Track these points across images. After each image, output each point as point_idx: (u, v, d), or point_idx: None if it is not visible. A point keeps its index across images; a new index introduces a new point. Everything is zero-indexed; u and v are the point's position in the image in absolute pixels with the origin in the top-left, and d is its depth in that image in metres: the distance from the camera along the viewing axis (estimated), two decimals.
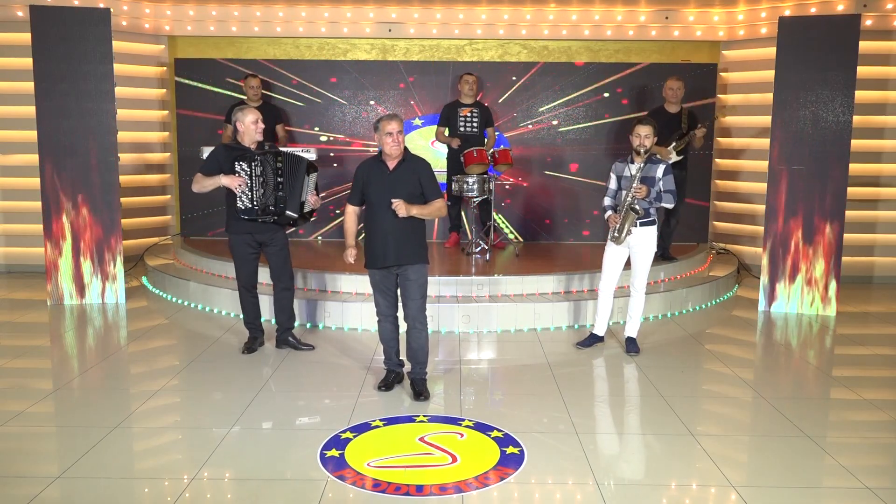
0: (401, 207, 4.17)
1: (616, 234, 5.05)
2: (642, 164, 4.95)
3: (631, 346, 5.23)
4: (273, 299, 5.23)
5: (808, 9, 7.46)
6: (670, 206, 5.04)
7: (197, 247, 7.45)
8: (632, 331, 5.28)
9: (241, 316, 5.31)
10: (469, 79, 7.30)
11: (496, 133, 7.76)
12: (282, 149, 5.08)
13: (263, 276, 5.58)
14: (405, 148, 4.36)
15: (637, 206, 4.92)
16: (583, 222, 8.22)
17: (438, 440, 3.73)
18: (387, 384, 4.49)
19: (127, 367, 4.97)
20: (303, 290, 6.09)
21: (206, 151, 7.09)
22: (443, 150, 7.78)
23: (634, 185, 4.91)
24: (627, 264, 5.22)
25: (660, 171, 4.98)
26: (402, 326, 4.57)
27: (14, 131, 7.55)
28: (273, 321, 5.54)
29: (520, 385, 4.66)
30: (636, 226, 5.00)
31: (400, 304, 4.48)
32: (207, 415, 4.09)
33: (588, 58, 8.22)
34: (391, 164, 4.33)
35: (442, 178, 7.50)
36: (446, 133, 7.39)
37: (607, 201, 5.17)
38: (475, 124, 7.28)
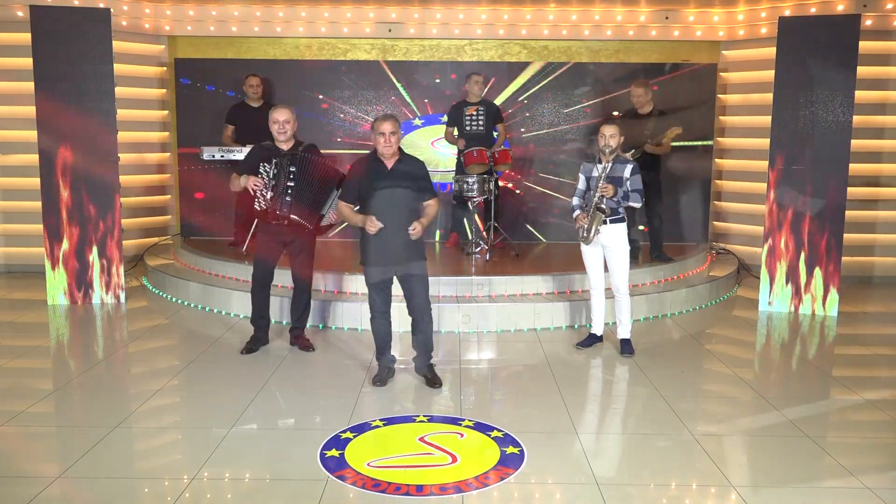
0: (417, 229, 4.33)
1: (585, 235, 5.10)
2: (609, 164, 4.99)
3: (626, 347, 5.21)
4: (291, 298, 5.30)
5: (808, 9, 7.45)
6: (637, 205, 5.10)
7: (197, 247, 7.44)
8: (624, 333, 5.26)
9: (247, 315, 5.32)
10: (476, 78, 7.32)
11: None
12: (312, 156, 4.99)
13: (279, 279, 5.60)
14: (399, 147, 4.48)
15: (604, 206, 4.97)
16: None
17: (438, 440, 3.74)
18: (381, 379, 4.56)
19: (127, 367, 4.97)
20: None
21: (207, 151, 7.15)
22: (444, 150, 7.79)
23: (601, 184, 4.96)
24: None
25: (627, 170, 5.02)
26: (394, 325, 4.71)
27: (14, 131, 7.54)
28: (286, 322, 5.59)
29: (520, 385, 4.66)
30: (605, 223, 5.04)
31: (390, 301, 4.61)
32: (207, 415, 4.09)
33: (588, 58, 8.21)
34: (388, 164, 4.42)
35: (450, 178, 7.55)
36: (455, 133, 7.41)
37: (576, 201, 5.21)
38: (481, 123, 7.30)
